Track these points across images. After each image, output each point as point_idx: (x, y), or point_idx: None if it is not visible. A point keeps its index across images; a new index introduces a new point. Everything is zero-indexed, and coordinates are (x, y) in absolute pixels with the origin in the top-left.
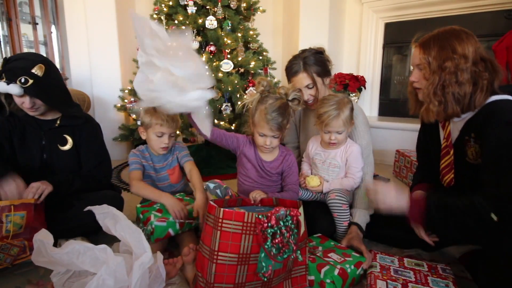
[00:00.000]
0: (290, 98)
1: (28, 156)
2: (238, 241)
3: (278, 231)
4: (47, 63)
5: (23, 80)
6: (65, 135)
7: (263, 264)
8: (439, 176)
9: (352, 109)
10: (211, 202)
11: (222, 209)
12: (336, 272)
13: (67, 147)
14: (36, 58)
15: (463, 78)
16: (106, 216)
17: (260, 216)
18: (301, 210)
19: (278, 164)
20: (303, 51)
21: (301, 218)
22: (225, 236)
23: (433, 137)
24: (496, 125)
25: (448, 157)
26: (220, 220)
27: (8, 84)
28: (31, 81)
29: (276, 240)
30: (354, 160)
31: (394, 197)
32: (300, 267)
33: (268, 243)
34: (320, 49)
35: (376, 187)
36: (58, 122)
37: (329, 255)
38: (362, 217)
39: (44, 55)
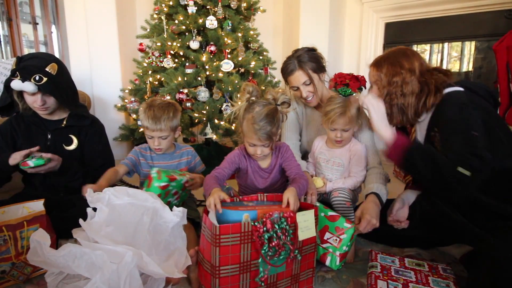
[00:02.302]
0: (279, 102)
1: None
2: (237, 251)
3: (274, 235)
4: (59, 62)
5: (37, 78)
6: (70, 135)
7: (261, 269)
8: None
9: (358, 108)
10: (206, 215)
11: (218, 226)
12: (337, 261)
13: (72, 147)
14: (49, 57)
15: (407, 90)
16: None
17: (255, 223)
18: (311, 215)
19: (274, 163)
20: (296, 50)
21: (310, 224)
22: (225, 251)
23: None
24: (448, 107)
25: None
26: (218, 237)
27: (23, 81)
28: (45, 79)
29: (273, 244)
30: (358, 159)
31: (383, 119)
32: (308, 270)
33: (265, 248)
34: (312, 48)
35: (370, 102)
36: (65, 122)
37: (325, 238)
38: (380, 189)
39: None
